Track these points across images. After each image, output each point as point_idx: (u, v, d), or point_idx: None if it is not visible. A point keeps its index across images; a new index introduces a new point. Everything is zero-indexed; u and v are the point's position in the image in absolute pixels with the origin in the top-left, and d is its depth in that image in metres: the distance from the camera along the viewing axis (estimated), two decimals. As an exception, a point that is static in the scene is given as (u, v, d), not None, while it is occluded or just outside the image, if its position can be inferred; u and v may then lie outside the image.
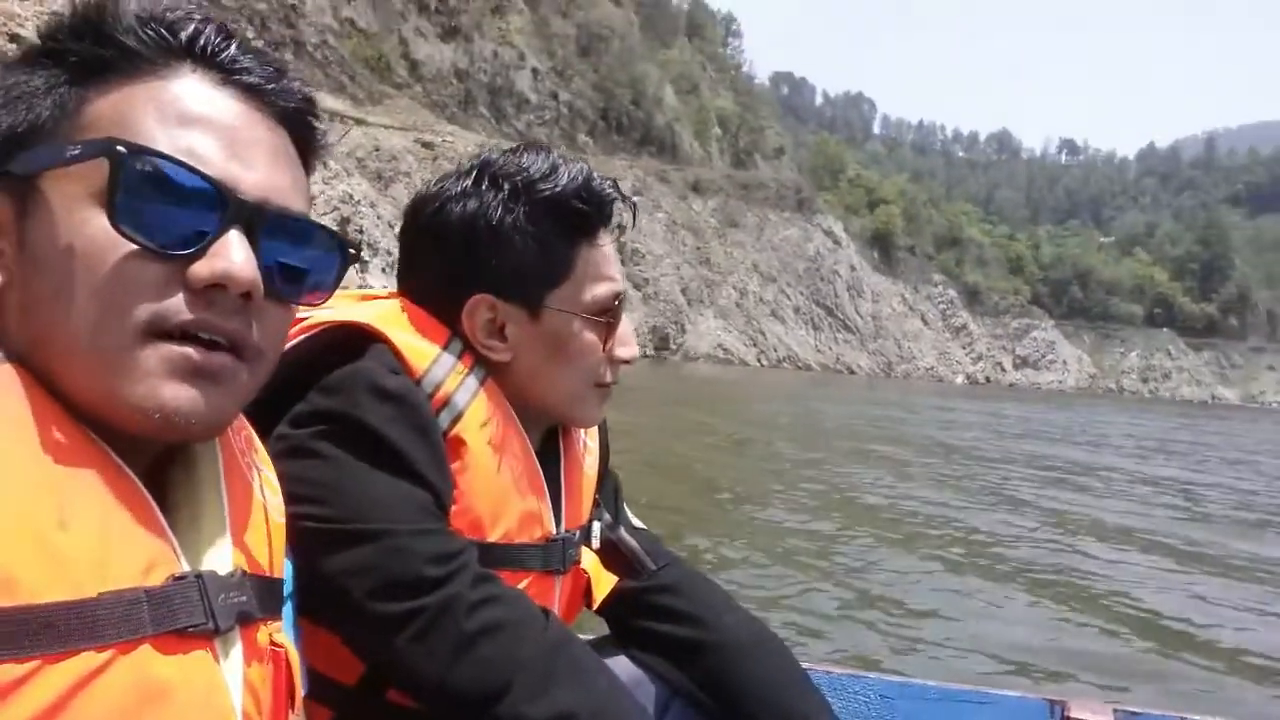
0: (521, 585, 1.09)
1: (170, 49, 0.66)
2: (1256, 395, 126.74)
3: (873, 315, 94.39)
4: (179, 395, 0.61)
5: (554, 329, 1.12)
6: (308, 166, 0.74)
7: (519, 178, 1.10)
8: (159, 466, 0.68)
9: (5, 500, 0.54)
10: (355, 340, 1.04)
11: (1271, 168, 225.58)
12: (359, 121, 41.56)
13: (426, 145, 48.35)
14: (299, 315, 1.01)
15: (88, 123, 0.63)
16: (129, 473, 0.62)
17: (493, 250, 1.10)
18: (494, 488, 1.08)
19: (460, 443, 1.05)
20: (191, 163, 0.62)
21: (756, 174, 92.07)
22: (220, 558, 0.66)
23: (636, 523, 1.38)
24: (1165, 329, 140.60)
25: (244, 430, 0.80)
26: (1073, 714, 1.65)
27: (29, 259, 0.62)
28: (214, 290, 0.62)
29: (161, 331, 0.61)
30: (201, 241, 0.62)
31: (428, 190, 1.16)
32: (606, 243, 1.16)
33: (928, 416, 24.61)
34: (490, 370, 1.12)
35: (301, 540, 0.92)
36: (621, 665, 1.25)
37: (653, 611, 1.30)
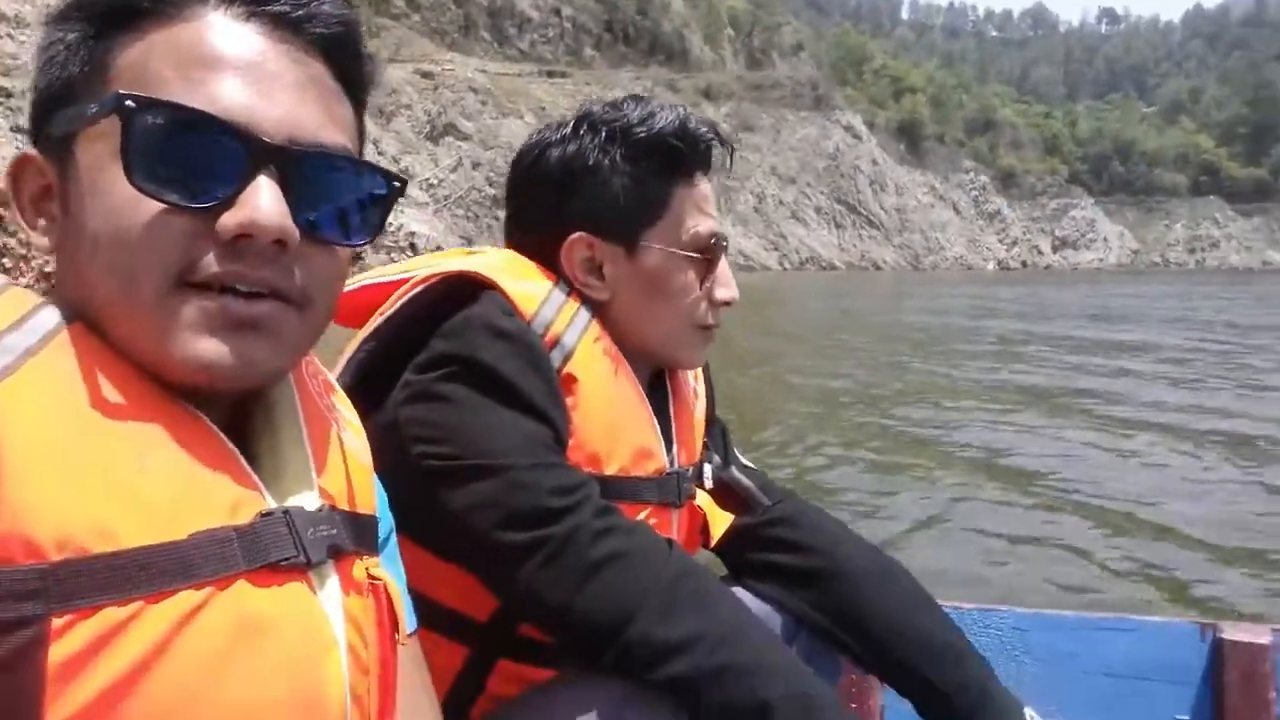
0: (640, 517, 1.10)
1: None
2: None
3: (897, 209, 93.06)
4: (216, 349, 0.60)
5: (651, 267, 1.14)
6: (356, 98, 0.70)
7: (617, 123, 1.14)
8: (239, 412, 0.68)
9: (85, 452, 0.55)
10: (468, 289, 1.07)
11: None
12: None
13: (426, 75, 48.47)
14: (410, 273, 1.10)
15: (114, 76, 0.61)
16: (203, 418, 0.62)
17: (589, 189, 1.13)
18: (607, 422, 1.10)
19: (572, 380, 1.07)
20: (209, 109, 0.59)
21: (770, 74, 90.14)
22: (307, 495, 0.66)
23: (746, 463, 1.41)
24: (1212, 196, 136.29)
25: (320, 375, 0.79)
26: (1226, 636, 1.52)
27: (71, 221, 0.62)
28: (244, 240, 0.60)
29: (195, 284, 0.60)
30: (228, 190, 0.60)
31: (529, 141, 1.20)
32: (703, 184, 1.18)
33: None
34: (594, 310, 1.14)
35: (427, 479, 0.97)
36: (744, 598, 1.25)
37: (770, 544, 1.31)
